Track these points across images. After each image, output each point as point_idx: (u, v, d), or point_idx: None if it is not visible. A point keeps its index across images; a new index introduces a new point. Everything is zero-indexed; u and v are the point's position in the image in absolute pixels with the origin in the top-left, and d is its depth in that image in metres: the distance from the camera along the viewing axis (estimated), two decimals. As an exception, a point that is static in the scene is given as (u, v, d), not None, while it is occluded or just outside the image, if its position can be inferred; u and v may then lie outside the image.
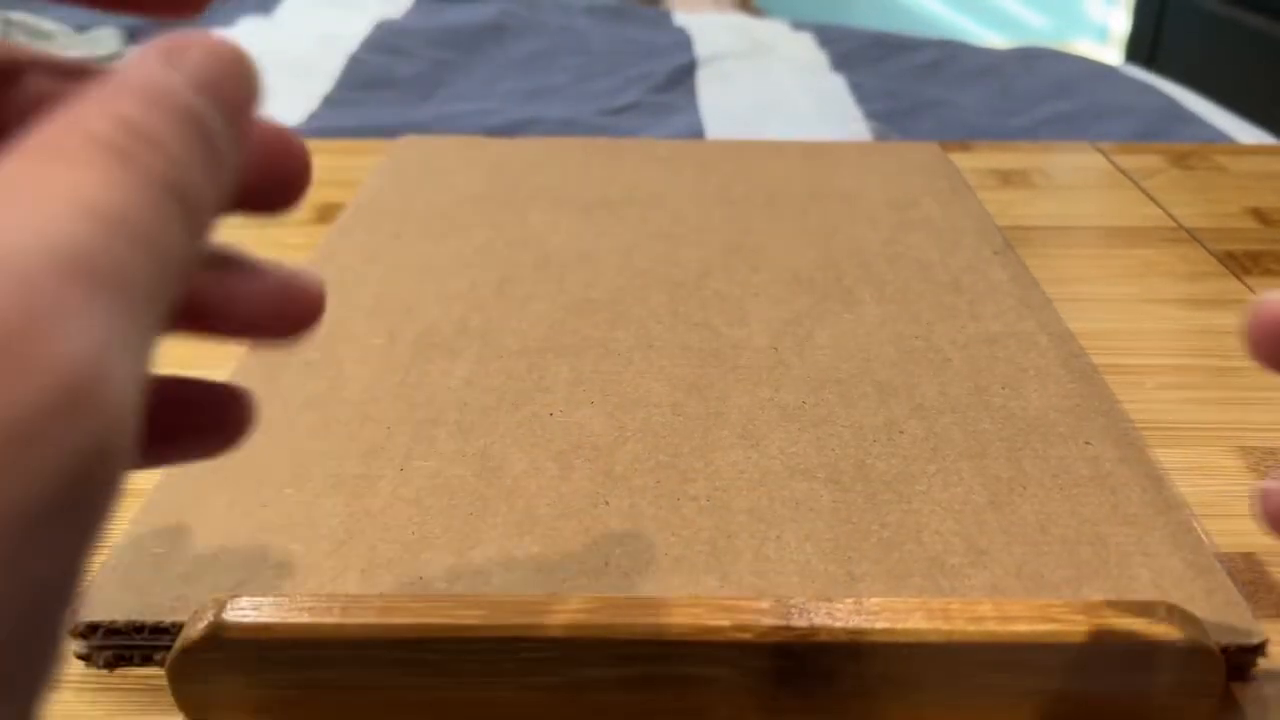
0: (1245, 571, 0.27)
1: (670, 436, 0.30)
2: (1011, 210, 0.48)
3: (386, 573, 0.24)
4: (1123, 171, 0.53)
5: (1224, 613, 0.24)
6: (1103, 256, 0.44)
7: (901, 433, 0.30)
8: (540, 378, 0.33)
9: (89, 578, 0.25)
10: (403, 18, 0.97)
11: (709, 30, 0.98)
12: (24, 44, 0.17)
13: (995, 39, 2.24)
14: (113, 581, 0.25)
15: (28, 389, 0.10)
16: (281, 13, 0.98)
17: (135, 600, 0.24)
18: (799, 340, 0.35)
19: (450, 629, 0.23)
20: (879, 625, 0.23)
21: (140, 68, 0.14)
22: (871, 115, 0.75)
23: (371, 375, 0.33)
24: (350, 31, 0.90)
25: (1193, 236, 0.46)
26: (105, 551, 0.26)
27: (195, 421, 0.18)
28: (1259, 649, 0.24)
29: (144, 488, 0.28)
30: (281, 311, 0.16)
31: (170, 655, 0.22)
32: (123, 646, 0.24)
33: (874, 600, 0.23)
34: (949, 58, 0.91)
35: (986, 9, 2.39)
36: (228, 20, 0.91)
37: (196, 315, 0.16)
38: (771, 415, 0.31)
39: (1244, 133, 0.73)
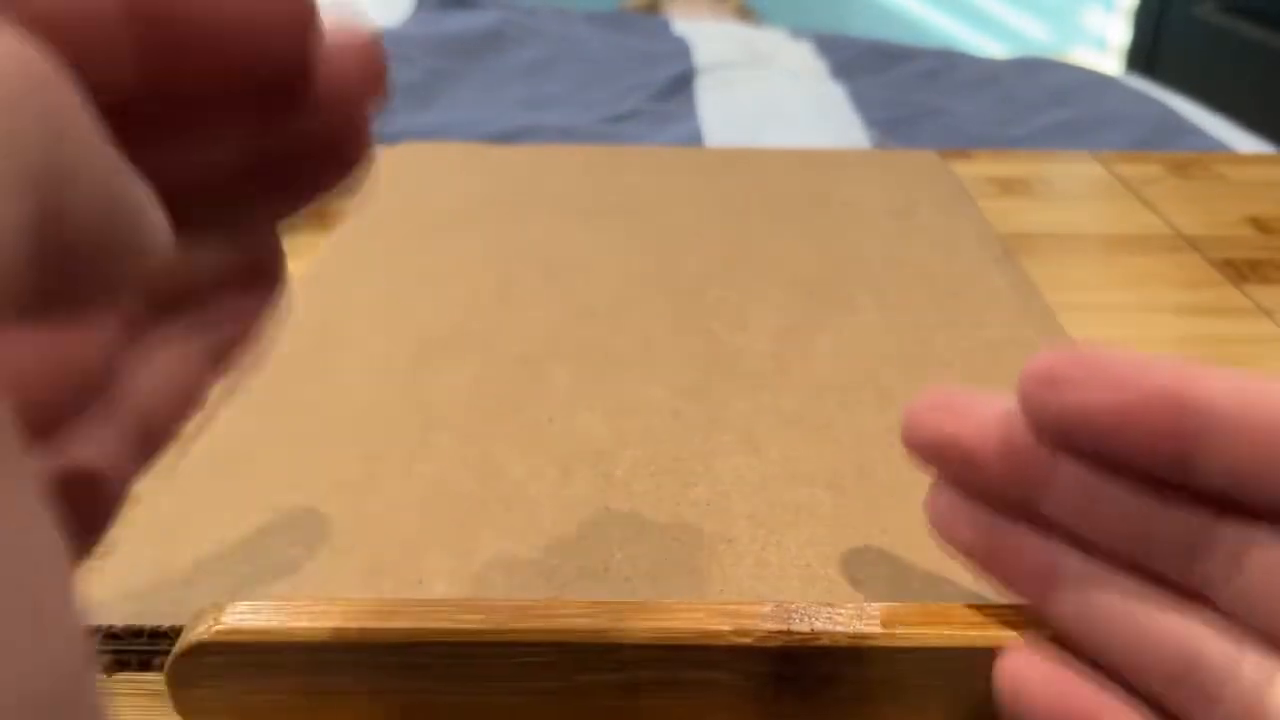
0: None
1: (671, 442, 0.30)
2: (1011, 218, 0.48)
3: (387, 577, 0.24)
4: (1122, 180, 0.54)
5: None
6: (1102, 264, 0.44)
7: (902, 438, 0.30)
8: (541, 383, 0.33)
9: (89, 581, 0.25)
10: (402, 25, 0.97)
11: (708, 39, 0.98)
12: None
13: (994, 49, 2.25)
14: (111, 586, 0.25)
15: None
16: (282, 21, 0.99)
17: (134, 605, 0.24)
18: (800, 346, 0.35)
19: (450, 633, 0.23)
20: (879, 629, 0.23)
21: None
22: (871, 123, 0.75)
23: (373, 380, 0.33)
24: (351, 39, 0.90)
25: (1192, 245, 0.46)
26: (104, 556, 0.26)
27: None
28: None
29: (143, 492, 0.28)
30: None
31: (169, 660, 0.22)
32: (121, 651, 0.24)
33: (875, 605, 0.23)
34: (948, 67, 0.91)
35: (985, 19, 2.40)
36: (229, 28, 0.92)
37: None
38: (772, 421, 0.31)
39: (1242, 142, 0.73)
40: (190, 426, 0.17)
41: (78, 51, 0.12)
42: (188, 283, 0.16)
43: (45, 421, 0.14)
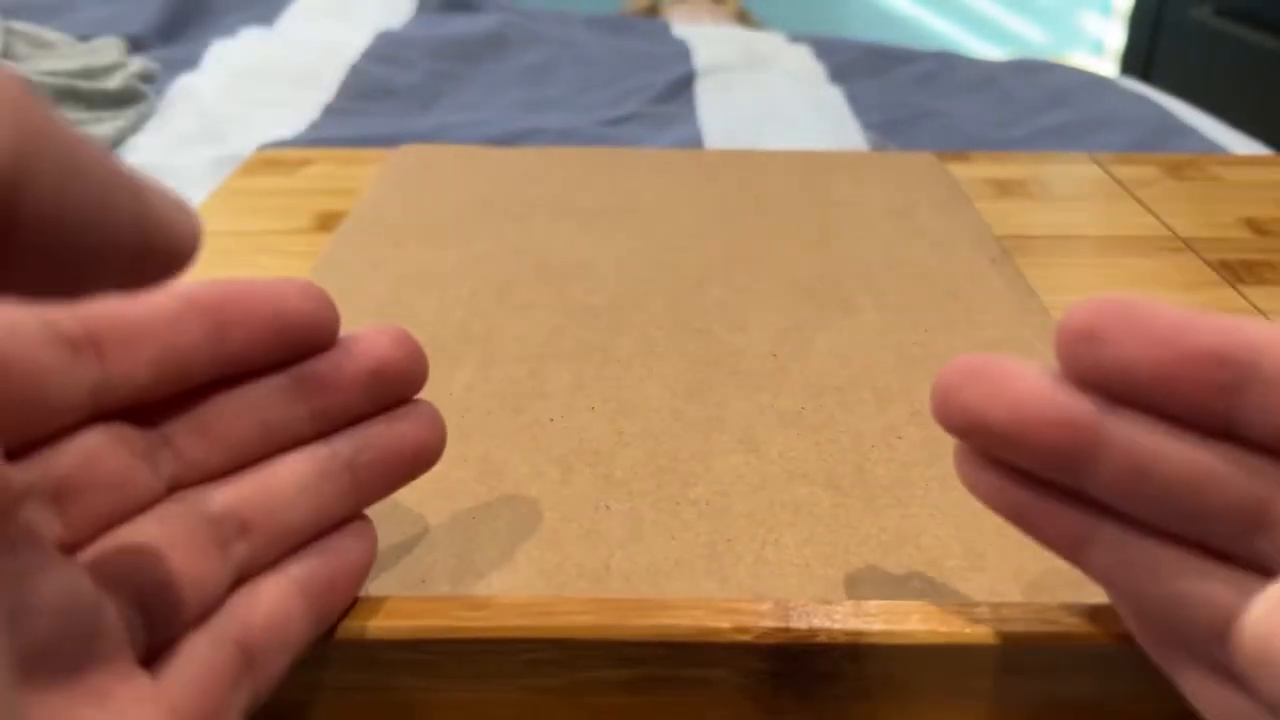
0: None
1: (670, 441, 0.30)
2: (1009, 220, 0.48)
3: (388, 575, 0.24)
4: (1119, 182, 0.54)
5: (1220, 616, 0.24)
6: (1099, 265, 0.45)
7: (900, 438, 0.30)
8: (541, 383, 0.33)
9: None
10: (403, 28, 0.97)
11: (708, 42, 0.98)
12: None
13: (991, 52, 2.25)
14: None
15: None
16: (283, 23, 0.99)
17: (138, 602, 0.24)
18: (798, 346, 0.35)
19: (451, 630, 0.23)
20: (878, 627, 0.23)
21: None
22: (869, 126, 0.75)
23: (373, 381, 0.33)
24: (351, 42, 0.90)
25: (1188, 246, 0.46)
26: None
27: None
28: (1255, 652, 0.24)
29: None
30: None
31: (173, 657, 0.23)
32: (125, 648, 0.24)
33: (873, 603, 0.24)
34: (946, 69, 0.92)
35: (982, 22, 2.40)
36: (230, 31, 0.92)
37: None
38: (771, 420, 0.31)
39: (1238, 144, 0.73)
40: (286, 666, 0.20)
41: (168, 345, 0.18)
42: (287, 525, 0.20)
43: (166, 628, 0.18)
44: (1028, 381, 0.18)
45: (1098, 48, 2.35)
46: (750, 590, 0.24)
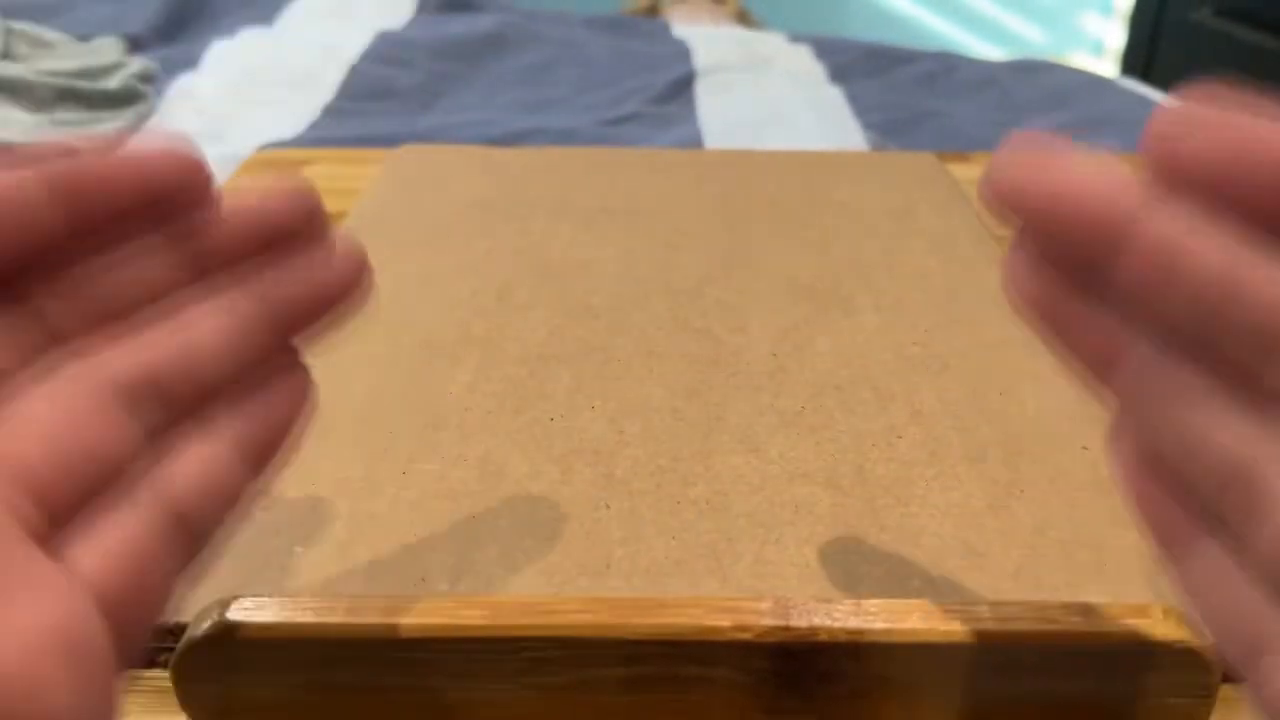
0: (1241, 575, 0.27)
1: (670, 441, 0.30)
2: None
3: (389, 574, 0.25)
4: (1118, 182, 0.54)
5: (1219, 615, 0.24)
6: (1099, 265, 0.45)
7: (900, 438, 0.30)
8: (541, 383, 0.33)
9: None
10: (403, 28, 0.97)
11: (708, 42, 0.98)
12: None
13: (992, 52, 2.25)
14: (117, 583, 0.25)
15: None
16: (282, 23, 0.99)
17: (139, 601, 0.24)
18: (798, 347, 0.35)
19: (453, 629, 0.23)
20: (878, 626, 0.23)
21: None
22: (869, 126, 0.75)
23: (374, 381, 0.33)
24: (350, 42, 0.90)
25: (1188, 246, 0.46)
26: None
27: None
28: (1254, 651, 0.24)
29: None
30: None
31: (174, 656, 0.23)
32: (126, 647, 0.24)
33: (873, 601, 0.24)
34: (946, 69, 0.92)
35: (983, 22, 2.40)
36: (229, 31, 0.92)
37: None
38: (771, 420, 0.31)
39: (1238, 144, 0.73)
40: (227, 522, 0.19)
41: (15, 223, 0.17)
42: (206, 381, 0.19)
43: (64, 502, 0.16)
44: (1079, 164, 0.17)
45: (1098, 48, 2.35)
46: (751, 589, 0.24)
